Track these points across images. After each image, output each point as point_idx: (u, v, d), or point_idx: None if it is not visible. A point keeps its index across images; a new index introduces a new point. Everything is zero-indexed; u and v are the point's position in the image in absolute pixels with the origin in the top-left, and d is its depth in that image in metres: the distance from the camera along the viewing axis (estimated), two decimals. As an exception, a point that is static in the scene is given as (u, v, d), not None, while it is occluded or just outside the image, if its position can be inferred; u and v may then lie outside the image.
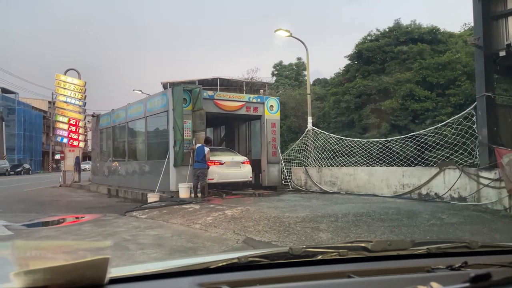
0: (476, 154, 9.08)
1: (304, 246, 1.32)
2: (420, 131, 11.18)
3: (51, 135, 46.90)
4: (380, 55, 17.16)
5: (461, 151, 9.67)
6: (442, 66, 15.10)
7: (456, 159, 9.65)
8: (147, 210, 9.30)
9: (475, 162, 9.14)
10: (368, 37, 18.59)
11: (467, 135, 9.53)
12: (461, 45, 16.43)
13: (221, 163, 12.18)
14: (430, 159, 10.74)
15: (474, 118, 9.22)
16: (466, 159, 9.49)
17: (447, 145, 10.14)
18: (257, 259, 1.19)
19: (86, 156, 39.64)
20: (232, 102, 13.44)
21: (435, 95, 14.82)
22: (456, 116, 10.06)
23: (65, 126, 21.60)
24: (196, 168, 11.03)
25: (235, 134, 16.26)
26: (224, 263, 1.15)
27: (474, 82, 9.98)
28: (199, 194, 10.92)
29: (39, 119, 56.44)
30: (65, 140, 21.92)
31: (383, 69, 16.88)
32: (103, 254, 0.83)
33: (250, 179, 13.07)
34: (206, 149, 11.08)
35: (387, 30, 18.26)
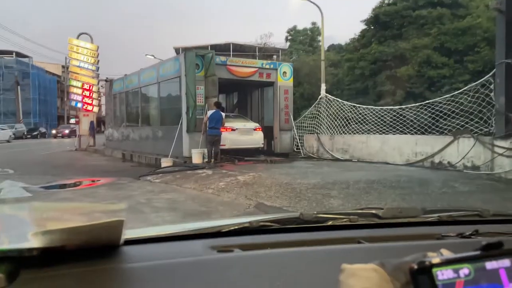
0: (492, 123, 8.92)
1: (315, 212, 1.33)
2: (436, 99, 10.96)
3: (65, 99, 47.27)
4: (397, 19, 16.63)
5: (476, 119, 9.50)
6: (462, 32, 14.61)
7: (471, 127, 9.50)
8: (160, 174, 9.45)
9: (491, 131, 8.99)
10: (386, 1, 18.00)
11: (483, 103, 9.32)
12: (483, 10, 15.77)
13: (233, 130, 12.20)
14: (445, 127, 10.58)
15: (492, 86, 8.99)
16: (481, 127, 9.33)
17: (463, 114, 9.96)
18: (268, 224, 1.21)
19: (100, 121, 39.99)
20: (245, 68, 13.30)
21: (452, 62, 14.42)
22: (474, 84, 9.82)
23: (79, 91, 21.68)
24: (211, 134, 11.06)
25: (247, 100, 16.18)
26: (236, 227, 1.16)
27: (494, 48, 9.66)
28: (212, 160, 11.02)
29: (54, 83, 56.82)
30: (79, 105, 22.07)
31: (400, 34, 16.41)
32: (119, 216, 0.85)
33: (262, 145, 13.12)
34: (223, 114, 11.08)
35: (406, -7, 17.61)
